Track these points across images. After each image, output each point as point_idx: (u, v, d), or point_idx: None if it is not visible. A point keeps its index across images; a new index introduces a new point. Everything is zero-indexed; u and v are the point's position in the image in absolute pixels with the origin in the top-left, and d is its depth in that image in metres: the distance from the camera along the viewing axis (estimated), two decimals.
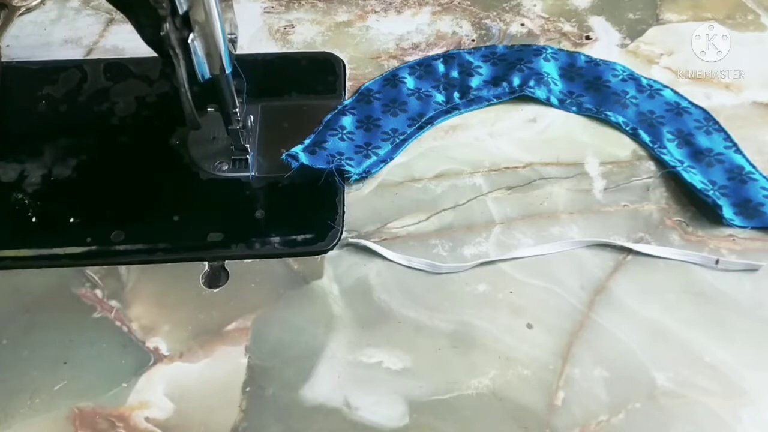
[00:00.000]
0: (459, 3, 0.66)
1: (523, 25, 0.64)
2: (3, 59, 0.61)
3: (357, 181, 0.53)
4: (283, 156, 0.52)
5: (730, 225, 0.50)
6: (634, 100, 0.56)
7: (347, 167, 0.52)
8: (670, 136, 0.54)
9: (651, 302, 0.47)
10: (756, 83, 0.58)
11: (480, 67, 0.59)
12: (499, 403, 0.43)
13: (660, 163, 0.53)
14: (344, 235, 0.50)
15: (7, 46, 0.63)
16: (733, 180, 0.52)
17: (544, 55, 0.59)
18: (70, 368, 0.44)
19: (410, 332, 0.46)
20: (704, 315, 0.46)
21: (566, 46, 0.62)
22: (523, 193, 0.52)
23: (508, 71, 0.58)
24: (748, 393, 0.43)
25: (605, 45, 0.62)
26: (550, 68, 0.59)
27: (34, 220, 0.51)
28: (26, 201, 0.52)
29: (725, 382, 0.44)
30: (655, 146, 0.54)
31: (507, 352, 0.45)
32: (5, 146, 0.55)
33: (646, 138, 0.54)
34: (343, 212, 0.51)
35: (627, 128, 0.55)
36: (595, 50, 0.62)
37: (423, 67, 0.59)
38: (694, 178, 0.52)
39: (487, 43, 0.62)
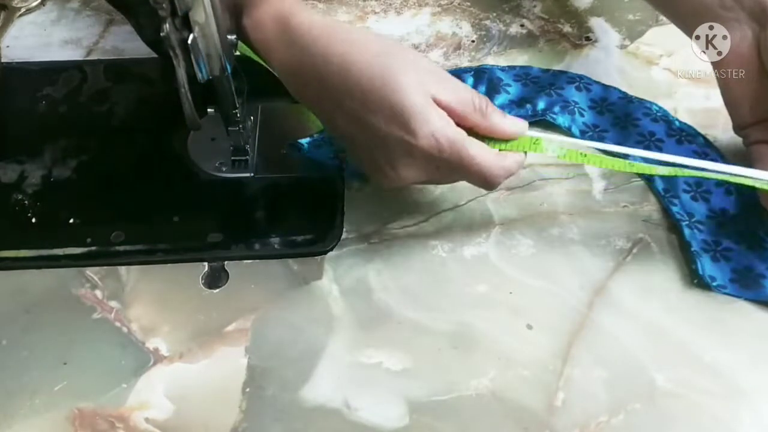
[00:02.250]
0: (459, 4, 0.66)
1: (522, 26, 0.64)
2: (3, 60, 0.61)
3: (356, 179, 0.53)
4: (287, 144, 0.52)
5: (718, 291, 0.47)
6: (659, 144, 0.54)
7: (346, 166, 0.52)
8: (686, 187, 0.51)
9: (651, 302, 0.47)
10: None
11: (509, 85, 0.58)
12: (499, 404, 0.43)
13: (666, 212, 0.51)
14: (344, 236, 0.50)
15: (7, 46, 0.63)
16: (741, 244, 0.48)
17: (577, 83, 0.57)
18: (69, 369, 0.44)
19: (410, 333, 0.46)
20: (704, 315, 0.46)
21: (566, 47, 0.62)
22: (523, 194, 0.52)
23: (536, 94, 0.57)
24: (748, 393, 0.43)
25: (605, 46, 0.62)
26: (580, 98, 0.57)
27: (34, 220, 0.51)
28: (26, 201, 0.52)
29: (725, 382, 0.44)
30: (667, 195, 0.51)
31: (507, 353, 0.45)
32: (5, 147, 0.55)
33: (659, 186, 0.52)
34: (343, 213, 0.51)
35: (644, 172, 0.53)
36: (594, 51, 0.62)
37: None
38: (695, 236, 0.49)
39: (486, 45, 0.62)
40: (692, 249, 0.48)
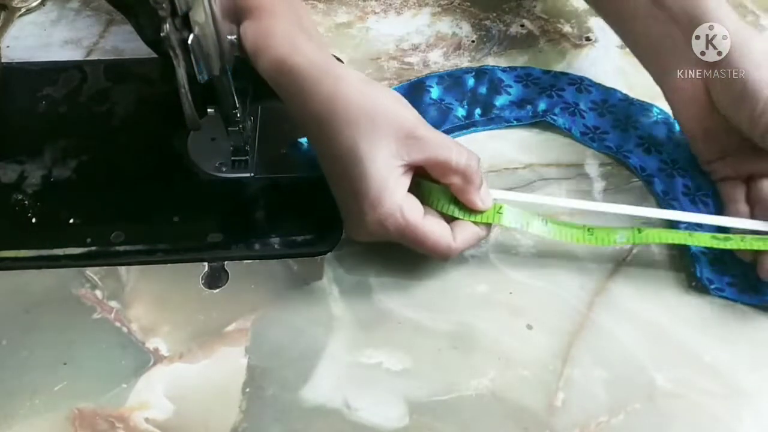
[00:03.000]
0: (459, 4, 0.66)
1: (522, 26, 0.64)
2: (3, 60, 0.61)
3: None
4: (288, 144, 0.52)
5: (716, 294, 0.47)
6: (659, 147, 0.54)
7: None
8: (684, 190, 0.51)
9: (651, 303, 0.47)
10: None
11: (510, 86, 0.58)
12: (499, 404, 0.43)
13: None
14: (344, 236, 0.50)
15: (7, 47, 0.63)
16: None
17: (578, 85, 0.58)
18: (69, 369, 0.44)
19: (410, 333, 0.46)
20: (704, 315, 0.46)
21: (566, 47, 0.62)
22: (523, 194, 0.52)
23: (537, 95, 0.57)
24: (748, 393, 0.43)
25: (605, 46, 0.62)
26: (581, 99, 0.57)
27: (33, 220, 0.51)
28: (26, 202, 0.52)
29: (725, 382, 0.44)
30: (667, 197, 0.51)
31: (507, 353, 0.45)
32: (5, 147, 0.55)
33: (658, 188, 0.52)
34: None
35: (643, 174, 0.53)
36: (594, 51, 0.62)
37: (452, 79, 0.58)
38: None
39: (486, 44, 0.62)
40: (691, 252, 0.48)
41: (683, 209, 0.50)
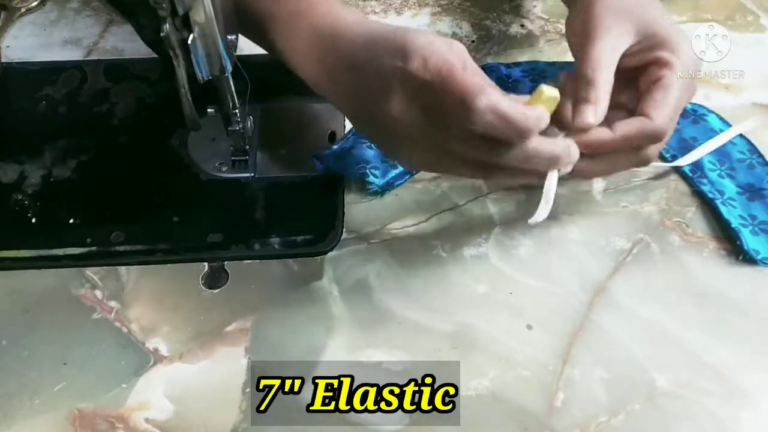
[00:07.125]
0: (459, 4, 0.66)
1: (522, 26, 0.64)
2: (3, 60, 0.61)
3: (377, 193, 0.52)
4: (312, 158, 0.52)
5: (764, 264, 0.48)
6: (677, 125, 0.53)
7: (371, 178, 0.51)
8: (711, 166, 0.52)
9: (650, 303, 0.47)
10: (755, 84, 0.58)
11: (519, 82, 0.58)
12: (499, 404, 0.43)
13: (698, 193, 0.52)
14: (344, 236, 0.50)
15: (7, 47, 0.63)
16: None
17: None
18: (69, 369, 0.44)
19: (410, 333, 0.46)
20: (704, 315, 0.46)
21: (566, 47, 0.62)
22: (523, 194, 0.52)
23: None
24: (747, 394, 0.43)
25: None
26: None
27: (33, 220, 0.51)
28: (26, 202, 0.52)
29: (725, 382, 0.44)
30: (695, 176, 0.52)
31: (507, 353, 0.45)
32: (5, 147, 0.55)
33: (686, 167, 0.52)
34: (343, 213, 0.51)
35: (667, 155, 0.53)
36: None
37: None
38: (732, 212, 0.50)
39: (486, 45, 0.62)
40: (733, 226, 0.49)
41: (713, 185, 0.52)
